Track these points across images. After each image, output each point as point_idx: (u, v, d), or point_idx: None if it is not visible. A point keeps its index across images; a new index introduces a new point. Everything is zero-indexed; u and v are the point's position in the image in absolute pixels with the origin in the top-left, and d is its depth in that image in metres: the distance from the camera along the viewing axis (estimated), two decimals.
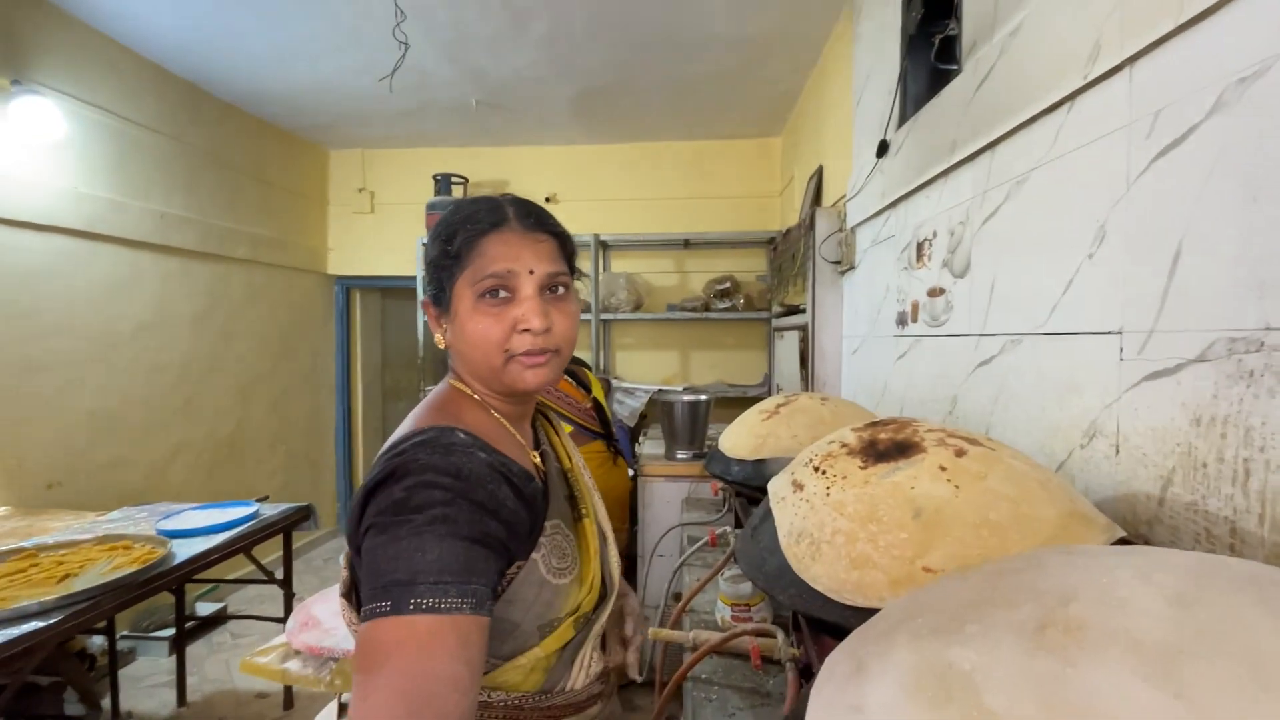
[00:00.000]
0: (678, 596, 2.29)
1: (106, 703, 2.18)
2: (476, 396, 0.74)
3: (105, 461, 2.54)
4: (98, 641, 2.27)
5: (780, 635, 0.90)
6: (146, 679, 2.41)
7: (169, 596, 2.36)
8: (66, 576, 1.48)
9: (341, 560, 0.72)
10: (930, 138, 1.45)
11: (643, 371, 3.77)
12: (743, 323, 3.67)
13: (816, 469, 0.80)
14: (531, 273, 0.70)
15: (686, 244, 3.68)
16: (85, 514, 2.08)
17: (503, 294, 0.69)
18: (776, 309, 3.03)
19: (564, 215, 3.57)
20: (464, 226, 0.71)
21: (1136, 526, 0.81)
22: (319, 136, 3.76)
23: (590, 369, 3.40)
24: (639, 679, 0.89)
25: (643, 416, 3.45)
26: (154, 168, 2.77)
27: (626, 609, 0.94)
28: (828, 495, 0.75)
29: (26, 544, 1.65)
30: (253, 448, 3.39)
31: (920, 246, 1.53)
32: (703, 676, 1.01)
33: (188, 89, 2.96)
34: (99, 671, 2.25)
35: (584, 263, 3.66)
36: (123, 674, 2.34)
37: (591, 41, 2.57)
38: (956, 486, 0.69)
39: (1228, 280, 0.68)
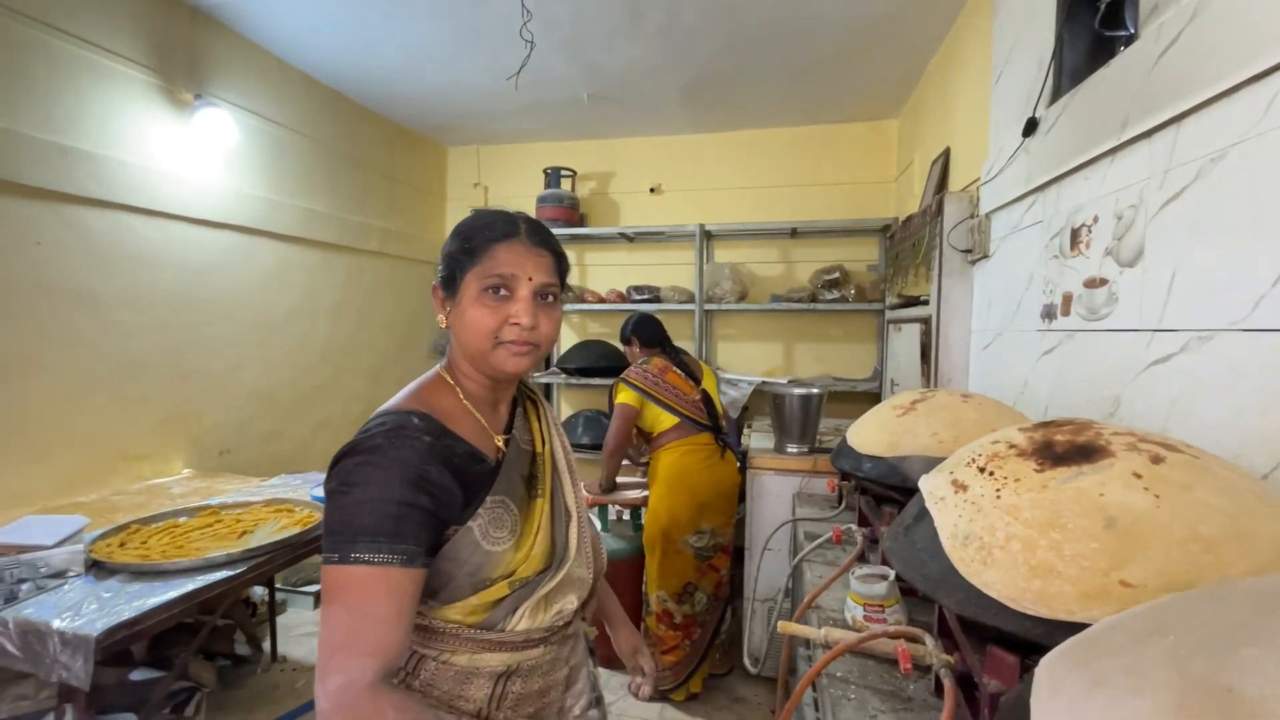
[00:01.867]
0: (787, 592, 2.26)
1: (266, 646, 2.46)
2: (452, 382, 0.88)
3: (263, 433, 2.85)
4: (259, 591, 2.56)
5: (929, 640, 0.87)
6: (295, 629, 2.70)
7: (316, 555, 2.63)
8: (244, 533, 1.68)
9: None
10: (1093, 113, 1.33)
11: (746, 363, 3.73)
12: (851, 314, 3.53)
13: (982, 470, 0.76)
14: (530, 279, 0.83)
15: (794, 233, 3.58)
16: (250, 479, 2.35)
17: (503, 292, 0.82)
18: (892, 300, 2.89)
19: (668, 206, 3.60)
20: (482, 231, 0.84)
21: None
22: (439, 135, 3.99)
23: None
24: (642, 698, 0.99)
25: (745, 408, 3.42)
26: (303, 169, 3.06)
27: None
28: (998, 498, 0.71)
29: (211, 502, 1.88)
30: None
31: (1076, 233, 1.40)
32: (837, 675, 0.99)
33: (330, 95, 3.23)
34: (259, 618, 2.54)
35: (688, 252, 3.69)
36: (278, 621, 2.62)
37: (706, 30, 2.54)
38: (1156, 496, 0.63)
39: None
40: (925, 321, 2.25)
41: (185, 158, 2.44)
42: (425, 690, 0.82)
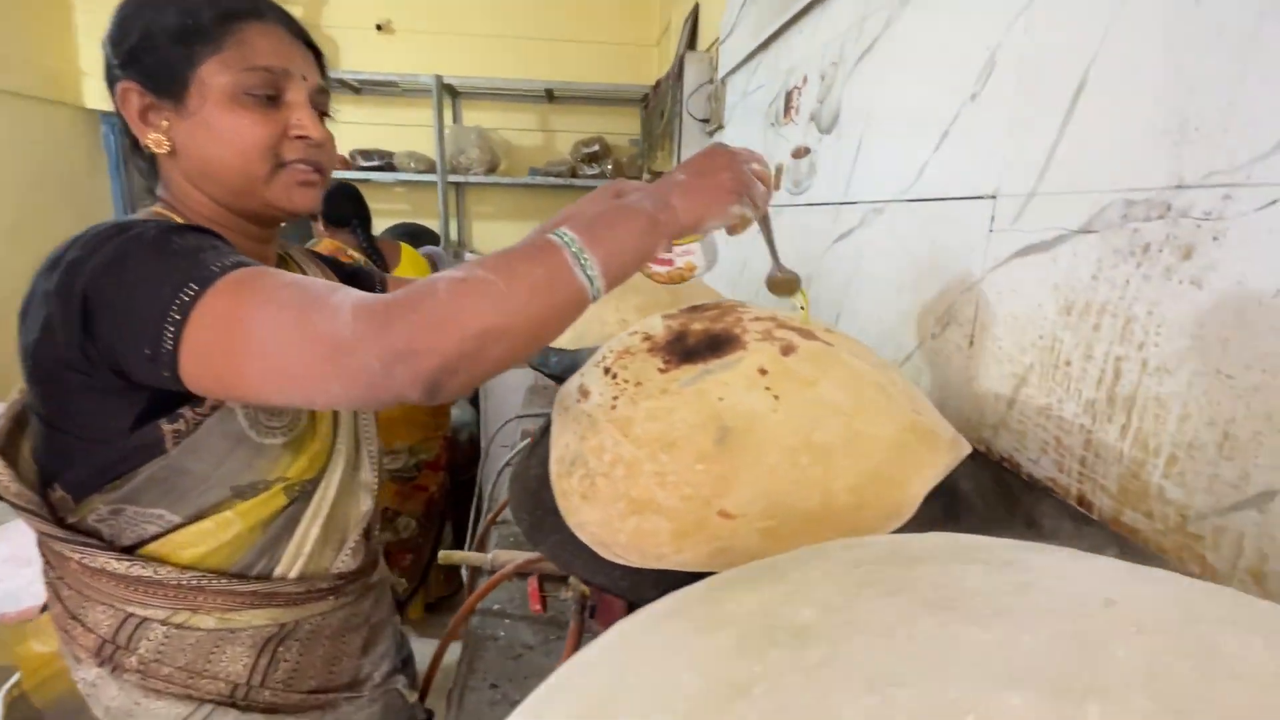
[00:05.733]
0: None
1: None
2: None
3: None
4: None
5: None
6: None
7: None
8: None
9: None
10: None
11: (503, 243, 3.38)
12: None
13: (607, 370, 0.59)
14: (305, 79, 0.59)
15: (550, 96, 3.19)
16: None
17: (270, 94, 0.57)
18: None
19: (400, 49, 2.87)
20: (215, 2, 0.56)
21: (981, 430, 0.70)
22: None
23: (437, 240, 2.99)
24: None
25: None
26: None
27: None
28: (614, 408, 0.54)
29: None
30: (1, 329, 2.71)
31: (789, 97, 1.29)
32: (495, 607, 0.85)
33: None
34: None
35: (426, 110, 3.11)
36: None
37: None
38: (776, 396, 0.50)
39: (1138, 122, 0.51)
40: None
41: None
42: (148, 669, 0.55)
